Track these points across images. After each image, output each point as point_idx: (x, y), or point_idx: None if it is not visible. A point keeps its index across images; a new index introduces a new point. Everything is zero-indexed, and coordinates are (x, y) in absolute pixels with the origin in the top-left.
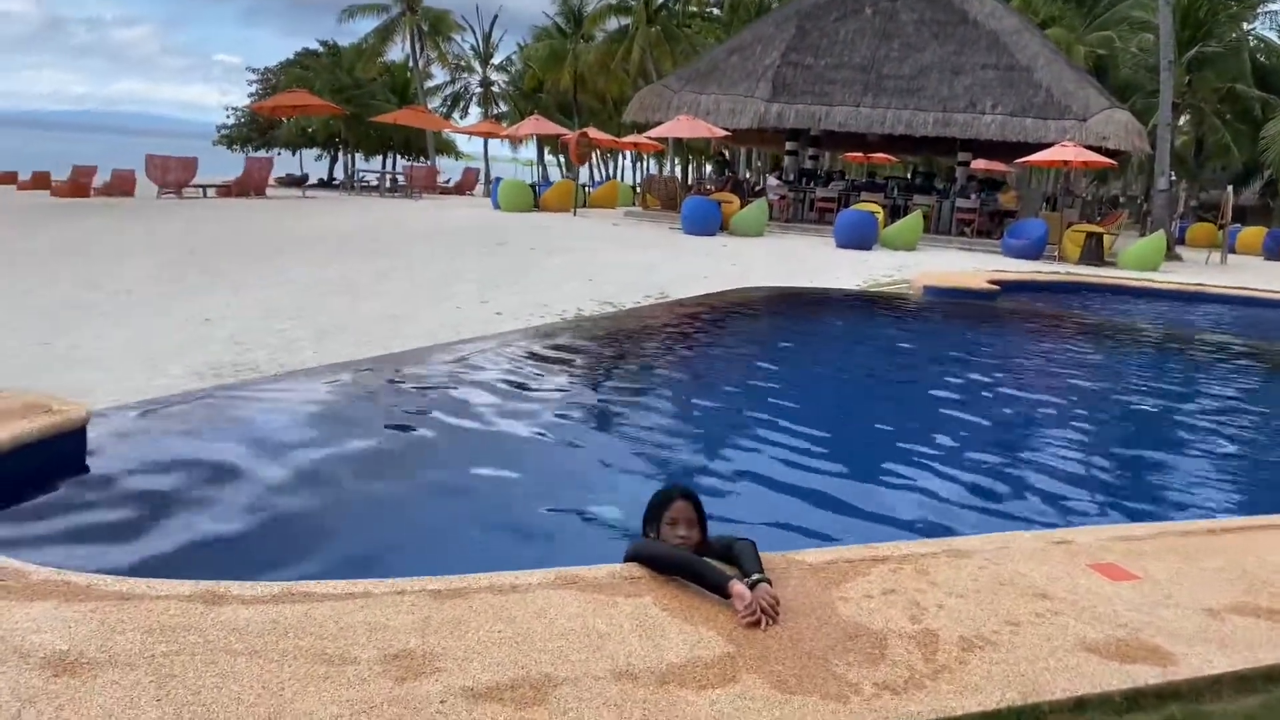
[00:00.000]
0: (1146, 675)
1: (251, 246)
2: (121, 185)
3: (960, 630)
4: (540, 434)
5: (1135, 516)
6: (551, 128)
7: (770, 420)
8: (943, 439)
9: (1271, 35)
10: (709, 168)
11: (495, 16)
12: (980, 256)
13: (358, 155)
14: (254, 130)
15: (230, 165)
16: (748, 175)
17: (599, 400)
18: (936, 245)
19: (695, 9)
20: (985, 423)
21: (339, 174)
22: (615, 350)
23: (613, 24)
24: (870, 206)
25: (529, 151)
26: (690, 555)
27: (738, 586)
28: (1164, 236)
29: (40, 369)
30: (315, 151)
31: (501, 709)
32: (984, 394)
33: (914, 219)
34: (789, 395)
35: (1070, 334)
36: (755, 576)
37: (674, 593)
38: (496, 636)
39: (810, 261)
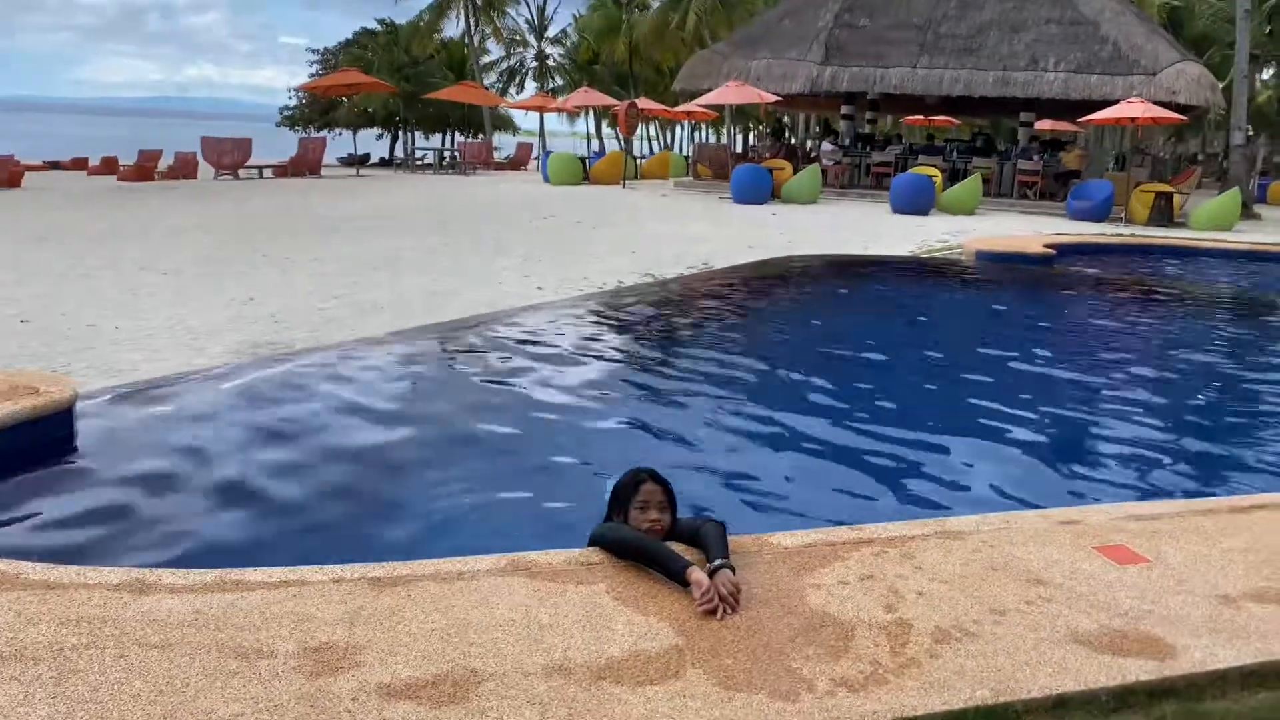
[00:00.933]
0: (1140, 670)
1: (300, 226)
2: (184, 168)
3: (937, 620)
4: (561, 408)
5: (1177, 495)
6: (601, 99)
7: (796, 392)
8: (976, 411)
9: None
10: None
11: None
12: (1042, 219)
13: (417, 134)
14: (315, 111)
15: (294, 146)
16: (807, 141)
17: (623, 374)
18: (998, 209)
19: None
20: (1025, 394)
21: (400, 153)
22: (647, 323)
23: None
24: (927, 170)
25: (585, 125)
26: (651, 540)
27: (696, 573)
28: (1238, 194)
29: (83, 348)
30: (376, 131)
31: (415, 708)
32: (1025, 363)
33: (972, 182)
34: (820, 366)
35: (1125, 298)
36: (718, 562)
37: (632, 579)
38: (429, 628)
39: (863, 228)
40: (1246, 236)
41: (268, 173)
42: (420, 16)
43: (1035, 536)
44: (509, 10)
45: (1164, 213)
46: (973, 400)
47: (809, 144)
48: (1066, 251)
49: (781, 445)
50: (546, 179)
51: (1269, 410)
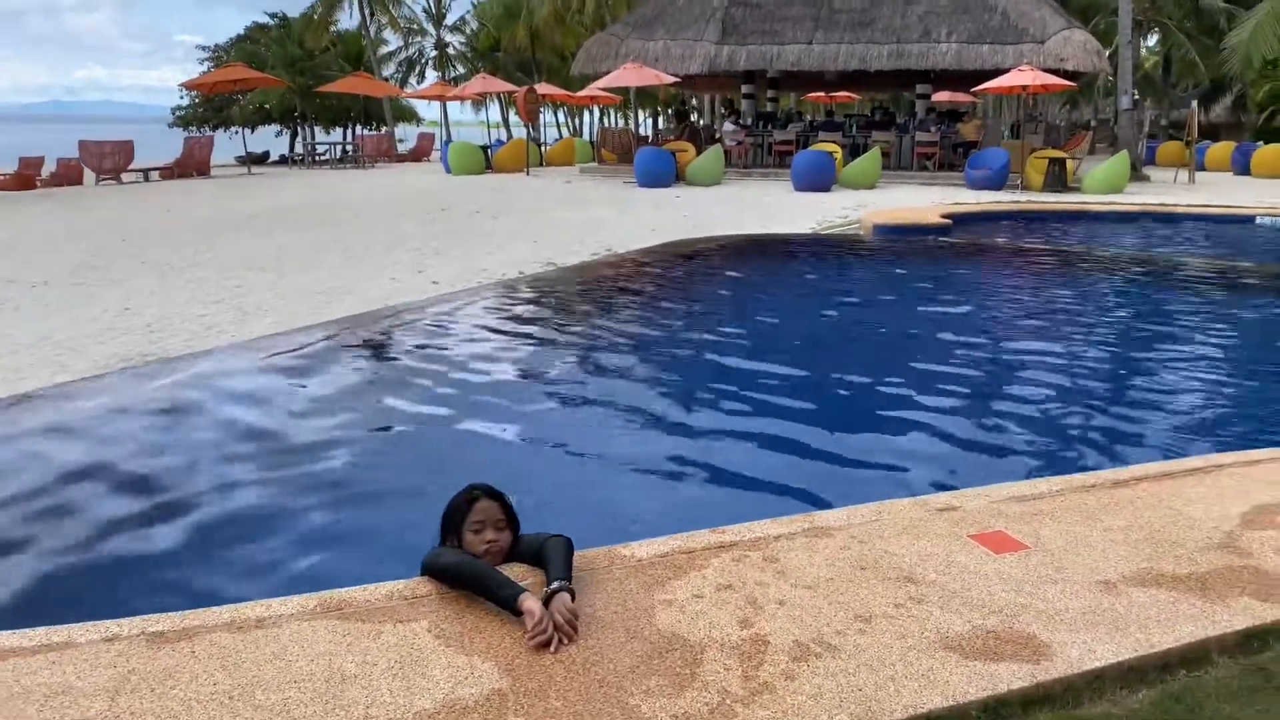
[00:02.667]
0: (1012, 677)
1: (182, 229)
2: (68, 175)
3: (797, 633)
4: (443, 412)
5: (1069, 471)
6: (500, 85)
7: (679, 382)
8: (862, 392)
9: None
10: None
11: None
12: (943, 190)
13: (317, 129)
14: (209, 110)
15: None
16: (715, 122)
17: (508, 371)
18: (899, 182)
19: None
20: (914, 370)
21: (300, 149)
22: (540, 314)
23: None
24: (828, 146)
25: (493, 114)
26: (478, 565)
27: (528, 601)
28: (1127, 157)
29: None
30: (275, 128)
31: None
32: (916, 338)
33: (871, 156)
34: (708, 352)
35: (1018, 264)
36: (555, 584)
37: (461, 612)
38: (209, 692)
39: (764, 207)
40: (1136, 198)
41: (154, 175)
42: (313, 9)
43: (909, 528)
44: (405, 0)
45: (1058, 178)
46: (858, 379)
47: (711, 124)
48: (963, 221)
49: (658, 442)
50: (448, 169)
51: (1159, 374)
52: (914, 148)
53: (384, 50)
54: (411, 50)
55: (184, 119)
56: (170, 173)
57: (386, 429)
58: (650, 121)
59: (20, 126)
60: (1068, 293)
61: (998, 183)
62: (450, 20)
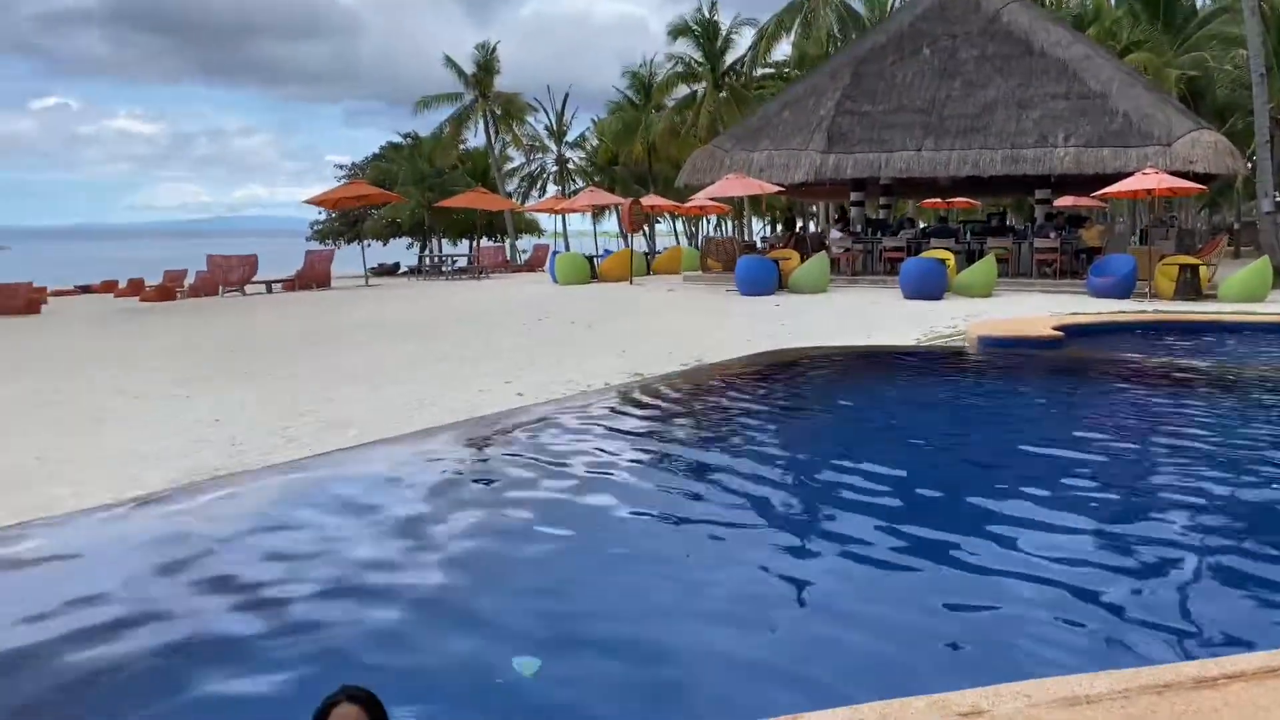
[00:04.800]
0: None
1: (292, 341)
2: (204, 287)
3: None
4: (502, 529)
5: (1141, 657)
6: (607, 198)
7: (751, 497)
8: (938, 529)
9: None
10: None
11: (566, 95)
12: (1063, 298)
13: (445, 241)
14: (344, 224)
15: (342, 259)
16: (815, 229)
17: (575, 488)
18: (1017, 290)
19: (771, 69)
20: (977, 504)
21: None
22: (618, 424)
23: (682, 91)
24: (940, 253)
25: (611, 225)
26: None
27: None
28: (1269, 263)
29: (19, 484)
30: (407, 240)
31: None
32: (996, 468)
33: (986, 263)
34: (783, 468)
35: (1137, 383)
36: None
37: None
38: None
39: (868, 317)
40: (1277, 307)
41: (277, 287)
42: (442, 128)
43: None
44: (528, 119)
45: (1191, 286)
46: (934, 516)
47: (818, 230)
48: (1080, 332)
49: (724, 580)
50: (555, 279)
51: None
52: (1033, 254)
53: (508, 166)
54: (533, 166)
55: (321, 233)
56: (292, 285)
57: (426, 544)
58: (767, 229)
59: (183, 241)
60: (1187, 418)
61: (1123, 291)
62: (570, 137)
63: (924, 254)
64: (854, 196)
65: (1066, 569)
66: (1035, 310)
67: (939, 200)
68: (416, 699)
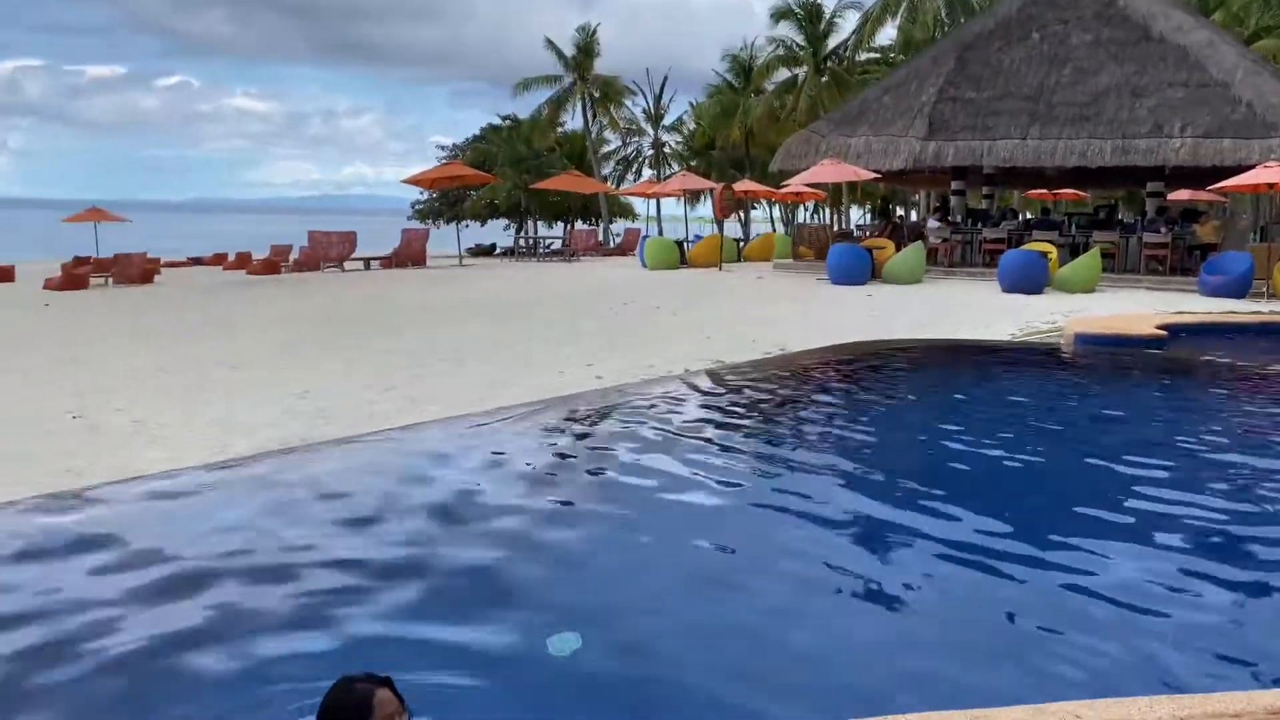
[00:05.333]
0: None
1: (381, 317)
2: (308, 262)
3: None
4: (551, 516)
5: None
6: (699, 183)
7: (811, 492)
8: (1002, 534)
9: None
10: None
11: (665, 78)
12: (1172, 296)
13: (541, 223)
14: (445, 204)
15: (440, 239)
16: (916, 218)
17: (633, 476)
18: (1122, 286)
19: (876, 54)
20: (1090, 514)
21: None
22: (694, 410)
23: (782, 75)
24: (1042, 246)
25: (706, 209)
26: None
27: None
28: None
29: (116, 446)
30: (504, 221)
31: None
32: (1077, 476)
33: (1090, 258)
34: (858, 464)
35: (1242, 389)
36: None
37: None
38: None
39: (963, 309)
40: None
41: (374, 265)
42: (540, 110)
43: None
44: (625, 101)
45: None
46: (996, 521)
47: (917, 220)
48: (1184, 332)
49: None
50: (644, 264)
51: None
52: (1141, 249)
53: (604, 149)
54: (629, 149)
55: (422, 212)
56: (388, 262)
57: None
58: (866, 217)
59: (292, 217)
60: None
61: (1238, 290)
62: (668, 121)
63: (1025, 246)
64: (954, 185)
65: (1153, 588)
66: (1140, 308)
67: (1045, 191)
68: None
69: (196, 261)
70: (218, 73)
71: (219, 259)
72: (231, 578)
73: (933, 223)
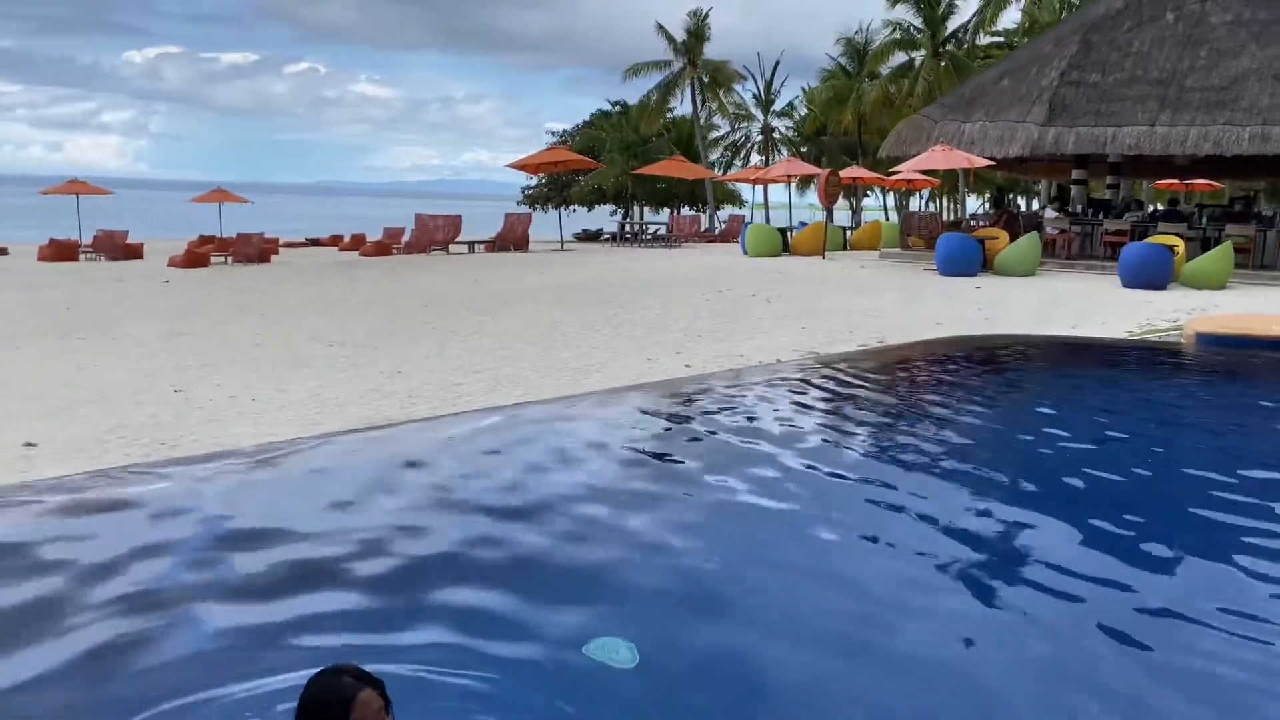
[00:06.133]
0: None
1: (479, 300)
2: (418, 244)
3: None
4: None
5: None
6: (803, 169)
7: (906, 488)
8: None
9: None
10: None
11: (776, 63)
12: None
13: (648, 209)
14: (553, 189)
15: (551, 223)
16: (1036, 208)
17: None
18: (1259, 283)
19: (999, 37)
20: (1199, 541)
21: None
22: (779, 403)
23: (898, 59)
24: (1168, 239)
25: (815, 196)
26: None
27: None
28: None
29: (208, 420)
30: (611, 207)
31: None
32: (1204, 489)
33: (1221, 252)
34: (931, 464)
35: None
36: None
37: None
38: None
39: (1078, 304)
40: None
41: (479, 248)
42: (649, 96)
43: None
44: (735, 87)
45: None
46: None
47: (1036, 210)
48: None
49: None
50: (745, 251)
51: None
52: None
53: (713, 135)
54: (738, 135)
55: (531, 197)
56: (492, 246)
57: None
58: (984, 206)
59: (411, 201)
60: None
61: None
62: (778, 106)
63: (1150, 239)
64: (1075, 174)
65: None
66: (1277, 307)
67: (1175, 181)
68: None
69: (314, 242)
70: (343, 59)
71: (335, 240)
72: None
73: (1050, 212)
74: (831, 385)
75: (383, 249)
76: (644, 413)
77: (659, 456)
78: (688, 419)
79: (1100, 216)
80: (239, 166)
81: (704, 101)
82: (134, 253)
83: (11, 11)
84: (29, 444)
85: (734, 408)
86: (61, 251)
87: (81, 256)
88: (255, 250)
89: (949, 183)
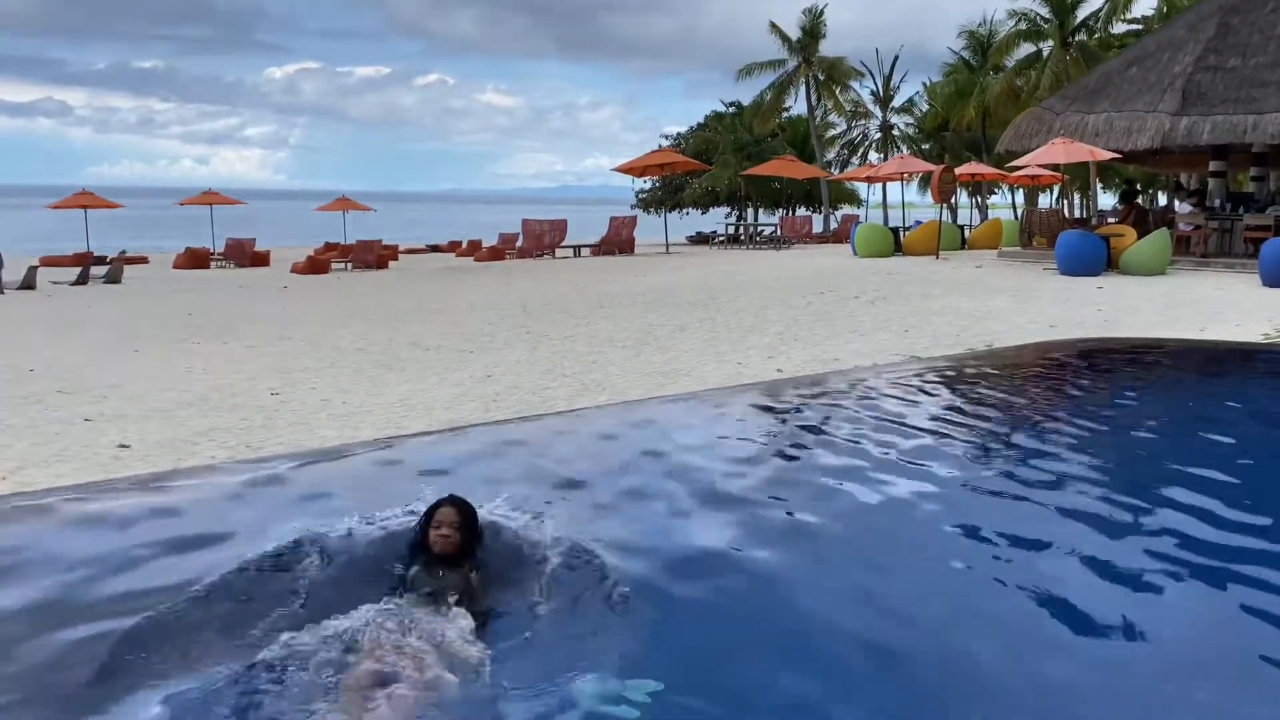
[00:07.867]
0: None
1: (576, 303)
2: (531, 249)
3: None
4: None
5: None
6: (917, 165)
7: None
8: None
9: None
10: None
11: (895, 58)
12: None
13: (762, 210)
14: (667, 193)
15: (653, 227)
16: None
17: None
18: None
19: (1136, 24)
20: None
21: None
22: (869, 411)
23: (1024, 50)
24: None
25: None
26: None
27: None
28: None
29: (296, 423)
30: (725, 209)
31: None
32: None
33: None
34: (1028, 479)
35: None
36: None
37: None
38: None
39: (1209, 305)
40: None
41: (584, 251)
42: (762, 95)
43: None
44: (852, 84)
45: None
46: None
47: (1173, 206)
48: None
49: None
50: (854, 251)
51: None
52: None
53: (830, 134)
54: (855, 133)
55: (645, 201)
56: (597, 249)
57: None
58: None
59: (533, 207)
60: None
61: None
62: (897, 102)
63: None
64: (1213, 166)
65: None
66: None
67: None
68: None
69: (434, 249)
70: (469, 70)
71: (454, 246)
72: None
73: (1183, 207)
74: (925, 391)
75: (496, 254)
76: (715, 418)
77: (719, 464)
78: (761, 425)
79: (1240, 211)
80: (371, 175)
81: (819, 99)
82: (261, 260)
83: (162, 34)
84: (123, 445)
85: (814, 412)
86: (194, 260)
87: (213, 264)
88: (374, 256)
89: (1080, 178)
